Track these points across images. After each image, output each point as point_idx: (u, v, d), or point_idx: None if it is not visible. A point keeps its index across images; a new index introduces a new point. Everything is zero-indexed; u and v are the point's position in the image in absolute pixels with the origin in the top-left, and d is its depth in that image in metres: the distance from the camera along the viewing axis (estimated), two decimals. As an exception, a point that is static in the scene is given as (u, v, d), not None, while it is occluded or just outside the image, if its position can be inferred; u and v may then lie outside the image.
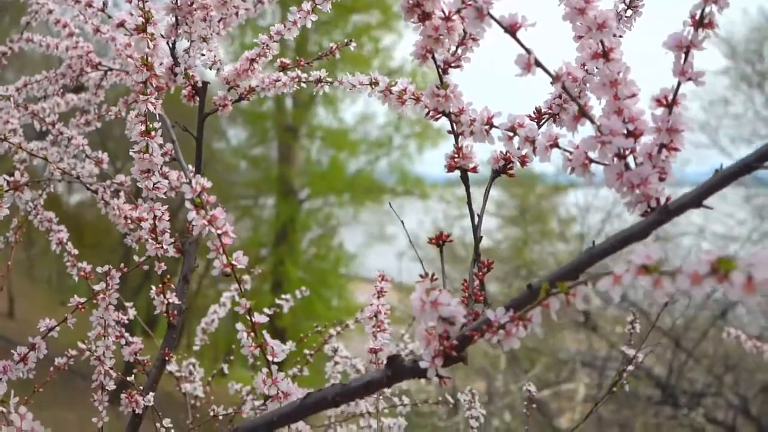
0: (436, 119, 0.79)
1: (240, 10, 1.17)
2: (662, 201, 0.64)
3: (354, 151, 11.65)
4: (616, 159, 0.67)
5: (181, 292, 1.18)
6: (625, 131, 0.67)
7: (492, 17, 0.65)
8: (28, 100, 1.42)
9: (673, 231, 8.14)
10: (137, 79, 0.91)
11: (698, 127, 9.08)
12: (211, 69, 1.15)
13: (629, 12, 0.85)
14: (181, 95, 1.26)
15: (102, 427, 1.11)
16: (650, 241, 0.62)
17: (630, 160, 0.67)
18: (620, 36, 0.83)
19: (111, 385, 1.11)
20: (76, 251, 1.27)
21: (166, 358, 1.16)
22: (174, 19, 1.11)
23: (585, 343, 7.64)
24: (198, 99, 1.20)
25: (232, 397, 1.61)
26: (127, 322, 1.18)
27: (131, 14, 1.21)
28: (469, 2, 0.67)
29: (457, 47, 0.77)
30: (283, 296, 1.60)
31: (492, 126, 0.78)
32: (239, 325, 0.79)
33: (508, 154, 0.81)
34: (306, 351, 1.51)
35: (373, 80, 0.96)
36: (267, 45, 1.13)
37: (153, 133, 0.94)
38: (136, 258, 1.15)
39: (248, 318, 0.80)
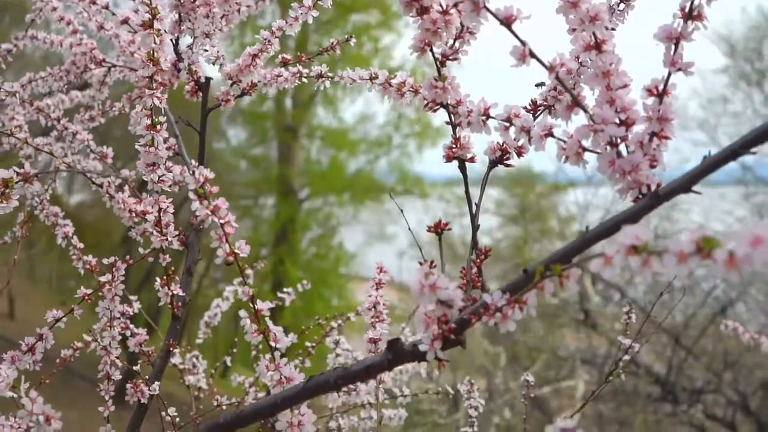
0: (435, 110, 0.82)
1: (242, 7, 1.19)
2: (653, 187, 0.66)
3: (354, 150, 11.68)
4: (608, 147, 0.69)
5: (185, 285, 1.20)
6: (618, 120, 0.70)
7: (488, 10, 0.68)
8: (32, 98, 1.44)
9: (673, 229, 8.16)
10: (143, 74, 0.93)
11: (697, 125, 9.11)
12: (213, 64, 1.17)
13: (622, 5, 0.87)
14: (184, 91, 1.28)
15: (108, 416, 1.13)
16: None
17: (622, 148, 0.69)
18: (613, 29, 0.85)
19: (117, 375, 1.13)
20: (81, 245, 1.29)
21: (171, 349, 1.18)
22: (177, 15, 1.14)
23: (585, 340, 7.67)
24: (201, 95, 1.22)
25: (235, 389, 1.63)
26: (132, 314, 1.20)
27: (135, 11, 1.23)
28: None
29: (454, 40, 0.79)
30: (285, 290, 1.62)
31: (489, 117, 0.80)
32: (242, 312, 0.81)
33: (504, 145, 0.83)
34: (308, 343, 1.53)
35: (373, 74, 0.98)
36: (269, 41, 1.15)
37: (158, 126, 0.96)
38: (141, 251, 1.17)
39: (251, 305, 0.82)
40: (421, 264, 0.75)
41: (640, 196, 0.66)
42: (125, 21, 1.19)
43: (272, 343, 0.81)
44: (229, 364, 1.65)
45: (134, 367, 1.13)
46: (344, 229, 12.06)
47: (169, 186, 1.06)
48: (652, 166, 0.68)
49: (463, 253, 7.28)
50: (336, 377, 0.73)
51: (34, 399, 0.75)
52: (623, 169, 0.67)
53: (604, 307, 7.41)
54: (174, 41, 1.17)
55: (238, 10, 1.19)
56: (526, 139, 0.78)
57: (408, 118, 11.46)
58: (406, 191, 11.47)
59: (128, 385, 1.14)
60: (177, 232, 1.11)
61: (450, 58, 0.79)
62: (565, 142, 0.73)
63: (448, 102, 0.80)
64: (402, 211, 1.07)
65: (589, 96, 0.76)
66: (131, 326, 1.19)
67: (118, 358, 1.10)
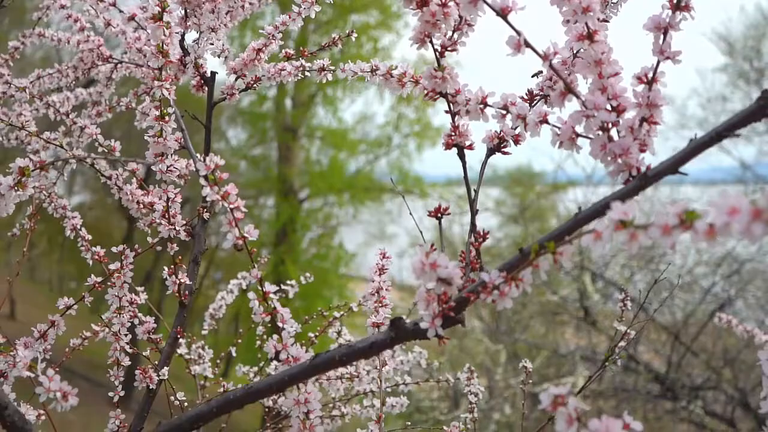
0: (435, 100, 0.85)
1: (246, 3, 1.23)
2: (642, 170, 0.69)
3: (353, 150, 11.72)
4: (600, 132, 0.72)
5: (192, 273, 1.23)
6: (609, 107, 0.73)
7: (485, 1, 0.71)
8: (40, 93, 1.47)
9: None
10: (153, 65, 0.96)
11: (696, 123, 9.14)
12: (219, 57, 1.20)
13: (615, -2, 0.90)
14: (188, 87, 1.31)
15: (118, 401, 1.16)
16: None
17: (614, 133, 0.73)
18: (607, 20, 0.89)
19: (126, 361, 1.17)
20: (89, 236, 1.32)
21: (178, 336, 1.21)
22: (183, 11, 1.17)
23: (585, 338, 7.70)
24: (206, 89, 1.25)
25: (240, 380, 1.66)
26: (141, 302, 1.23)
27: (142, 8, 1.27)
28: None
29: (453, 32, 0.82)
30: (288, 282, 1.65)
31: (486, 105, 0.83)
32: (251, 294, 0.85)
33: (502, 133, 0.87)
34: (311, 334, 1.56)
35: (374, 67, 1.01)
36: (272, 35, 1.18)
37: (167, 117, 1.00)
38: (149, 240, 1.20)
39: (260, 287, 0.85)
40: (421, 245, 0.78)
41: (631, 178, 0.70)
42: (132, 18, 1.23)
43: (280, 324, 0.84)
44: (234, 354, 1.68)
45: (141, 353, 1.15)
46: (344, 229, 12.10)
47: (177, 176, 1.09)
48: (642, 150, 0.71)
49: (463, 252, 7.30)
50: (341, 354, 0.76)
51: (51, 377, 0.78)
52: (614, 152, 0.70)
53: (603, 305, 7.44)
54: (180, 37, 1.21)
55: (242, 6, 1.23)
56: (522, 126, 0.81)
57: (407, 118, 11.52)
58: (406, 191, 11.51)
59: (137, 372, 1.18)
60: (184, 222, 1.15)
61: (449, 49, 0.82)
62: (559, 128, 0.76)
63: (448, 91, 0.84)
64: (409, 210, 1.10)
65: (583, 85, 0.79)
66: (139, 315, 1.23)
67: (128, 344, 1.13)
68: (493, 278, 0.69)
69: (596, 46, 0.74)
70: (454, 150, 0.85)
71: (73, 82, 1.49)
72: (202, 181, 0.81)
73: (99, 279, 1.14)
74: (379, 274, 1.11)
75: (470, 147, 0.87)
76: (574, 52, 0.81)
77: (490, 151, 0.89)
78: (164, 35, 0.92)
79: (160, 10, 0.92)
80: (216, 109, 1.29)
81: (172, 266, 1.18)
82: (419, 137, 11.42)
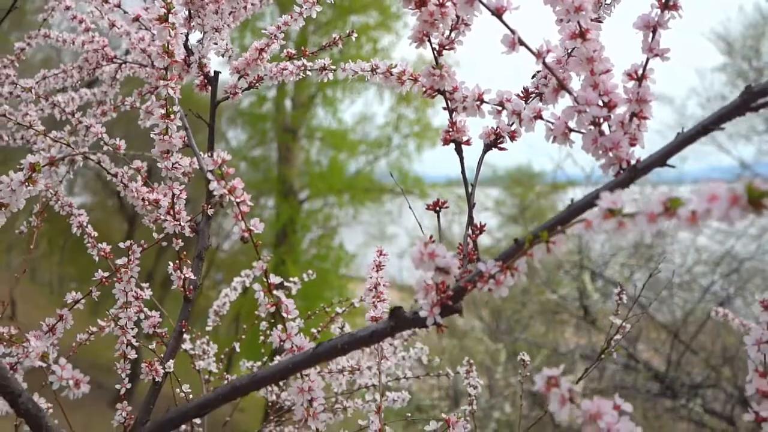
0: (433, 97, 0.88)
1: (248, 4, 1.26)
2: (632, 162, 0.72)
3: (353, 151, 11.75)
4: (592, 127, 0.75)
5: (197, 269, 1.26)
6: (601, 103, 0.76)
7: (480, 1, 0.74)
8: (46, 93, 1.50)
9: (670, 227, 8.21)
10: (159, 65, 0.99)
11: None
12: (222, 57, 1.23)
13: (608, -1, 0.93)
14: (192, 87, 1.34)
15: (123, 393, 1.19)
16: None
17: (605, 127, 0.75)
18: (600, 20, 0.91)
19: (132, 354, 1.19)
20: (95, 233, 1.35)
21: (183, 330, 1.24)
22: (187, 12, 1.20)
23: (585, 337, 7.72)
24: (210, 88, 1.28)
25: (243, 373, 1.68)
26: (146, 298, 1.25)
27: (145, 9, 1.30)
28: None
29: (450, 31, 0.85)
30: (291, 279, 1.68)
31: (483, 101, 0.86)
32: (257, 285, 0.87)
33: (498, 129, 0.89)
34: (313, 329, 1.59)
35: (374, 66, 1.04)
36: (275, 35, 1.21)
37: (172, 116, 1.02)
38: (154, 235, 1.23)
39: (265, 279, 0.88)
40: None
41: (621, 171, 0.73)
42: (136, 18, 1.25)
43: (284, 314, 0.87)
44: (237, 350, 1.71)
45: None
46: (344, 229, 12.13)
47: (182, 174, 1.12)
48: (632, 144, 0.74)
49: (462, 251, 7.32)
50: (343, 342, 0.79)
51: (64, 366, 0.81)
52: (605, 146, 0.73)
53: (603, 304, 7.46)
54: (184, 37, 1.23)
55: (245, 7, 1.26)
56: (518, 122, 0.84)
57: (407, 118, 11.55)
58: (406, 191, 11.51)
59: (143, 365, 1.20)
60: (189, 218, 1.18)
61: (446, 47, 0.85)
62: (552, 123, 0.79)
63: (445, 88, 0.86)
64: (409, 205, 1.13)
65: (576, 82, 0.82)
66: (145, 309, 1.25)
67: (134, 337, 1.16)
68: (490, 267, 0.72)
69: (588, 44, 0.77)
70: (454, 151, 0.88)
71: (78, 83, 1.52)
72: (210, 176, 0.84)
73: (106, 274, 1.16)
74: (377, 271, 1.14)
75: (467, 142, 0.89)
76: (568, 50, 0.84)
77: (487, 147, 0.92)
78: (170, 36, 0.95)
79: (166, 11, 0.95)
80: (216, 110, 1.32)
81: (177, 261, 1.21)
82: (419, 138, 11.46)
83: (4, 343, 0.94)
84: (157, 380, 1.20)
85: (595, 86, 0.76)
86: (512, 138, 0.91)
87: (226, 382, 1.47)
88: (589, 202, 0.70)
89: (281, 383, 1.64)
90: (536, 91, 0.91)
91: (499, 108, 0.85)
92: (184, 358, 1.57)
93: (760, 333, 0.68)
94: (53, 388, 0.79)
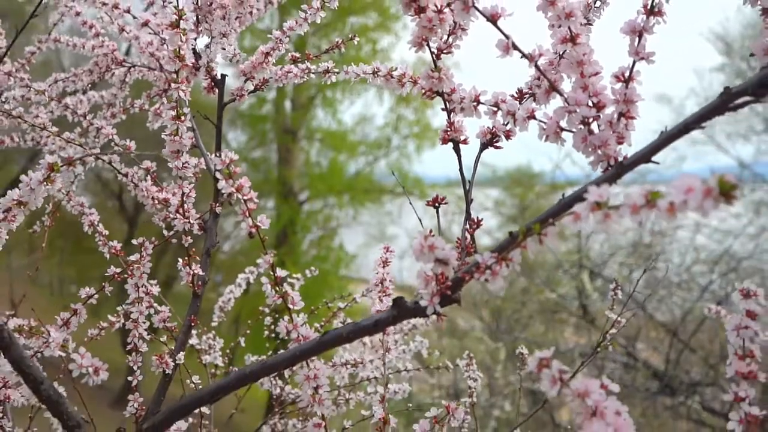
0: (432, 98, 0.92)
1: (253, 9, 1.30)
2: (619, 159, 0.77)
3: (353, 152, 11.79)
4: (582, 126, 0.79)
5: (205, 265, 1.30)
6: (590, 103, 0.80)
7: (476, 8, 0.78)
8: (58, 96, 1.55)
9: (670, 226, 8.27)
10: (169, 69, 1.04)
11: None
12: (231, 61, 1.28)
13: (598, 2, 0.97)
14: (199, 89, 1.39)
15: (137, 385, 1.23)
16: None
17: (594, 127, 0.80)
18: (590, 23, 0.96)
19: (144, 348, 1.24)
20: (106, 231, 1.39)
21: (192, 324, 1.28)
22: (196, 18, 1.24)
23: (584, 336, 7.77)
24: (217, 91, 1.33)
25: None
26: (156, 293, 1.30)
27: (153, 14, 1.34)
28: (457, -3, 0.80)
29: (448, 36, 0.90)
30: (294, 275, 1.72)
31: (479, 102, 0.91)
32: (264, 279, 0.92)
33: (494, 129, 0.94)
34: (316, 324, 1.63)
35: (376, 69, 1.09)
36: (280, 39, 1.26)
37: (183, 117, 1.07)
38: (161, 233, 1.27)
39: (271, 273, 0.93)
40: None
41: (609, 167, 0.77)
42: (145, 24, 1.30)
43: (290, 306, 0.91)
44: (243, 344, 1.75)
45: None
46: (344, 230, 12.17)
47: (192, 173, 1.17)
48: (620, 142, 0.78)
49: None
50: (348, 331, 0.84)
51: (83, 354, 0.85)
52: (594, 144, 0.78)
53: (602, 303, 7.51)
54: (193, 42, 1.28)
55: (250, 12, 1.30)
56: (512, 122, 0.89)
57: (407, 119, 11.60)
58: (406, 192, 11.54)
59: (153, 357, 1.25)
60: (198, 216, 1.22)
61: (444, 51, 0.90)
62: (545, 123, 0.83)
63: (444, 90, 0.91)
64: (410, 202, 1.18)
65: (567, 84, 0.87)
66: (155, 305, 1.30)
67: (146, 330, 1.20)
68: (486, 259, 0.76)
69: (578, 48, 0.82)
70: (452, 150, 0.92)
71: (87, 86, 1.57)
72: (218, 175, 0.89)
73: (118, 270, 1.21)
74: (383, 266, 1.19)
75: (465, 141, 0.94)
76: (559, 53, 0.88)
77: (484, 146, 0.96)
78: (181, 41, 1.00)
79: (177, 17, 1.00)
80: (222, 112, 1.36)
81: (186, 258, 1.25)
82: (418, 138, 11.51)
83: (24, 335, 0.98)
84: (167, 372, 1.24)
85: (585, 88, 0.81)
86: (507, 137, 0.95)
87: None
88: (579, 196, 0.75)
89: (286, 375, 1.69)
90: (529, 91, 0.96)
91: (495, 108, 0.90)
92: (191, 353, 1.62)
93: (739, 319, 0.73)
94: (73, 375, 0.83)
